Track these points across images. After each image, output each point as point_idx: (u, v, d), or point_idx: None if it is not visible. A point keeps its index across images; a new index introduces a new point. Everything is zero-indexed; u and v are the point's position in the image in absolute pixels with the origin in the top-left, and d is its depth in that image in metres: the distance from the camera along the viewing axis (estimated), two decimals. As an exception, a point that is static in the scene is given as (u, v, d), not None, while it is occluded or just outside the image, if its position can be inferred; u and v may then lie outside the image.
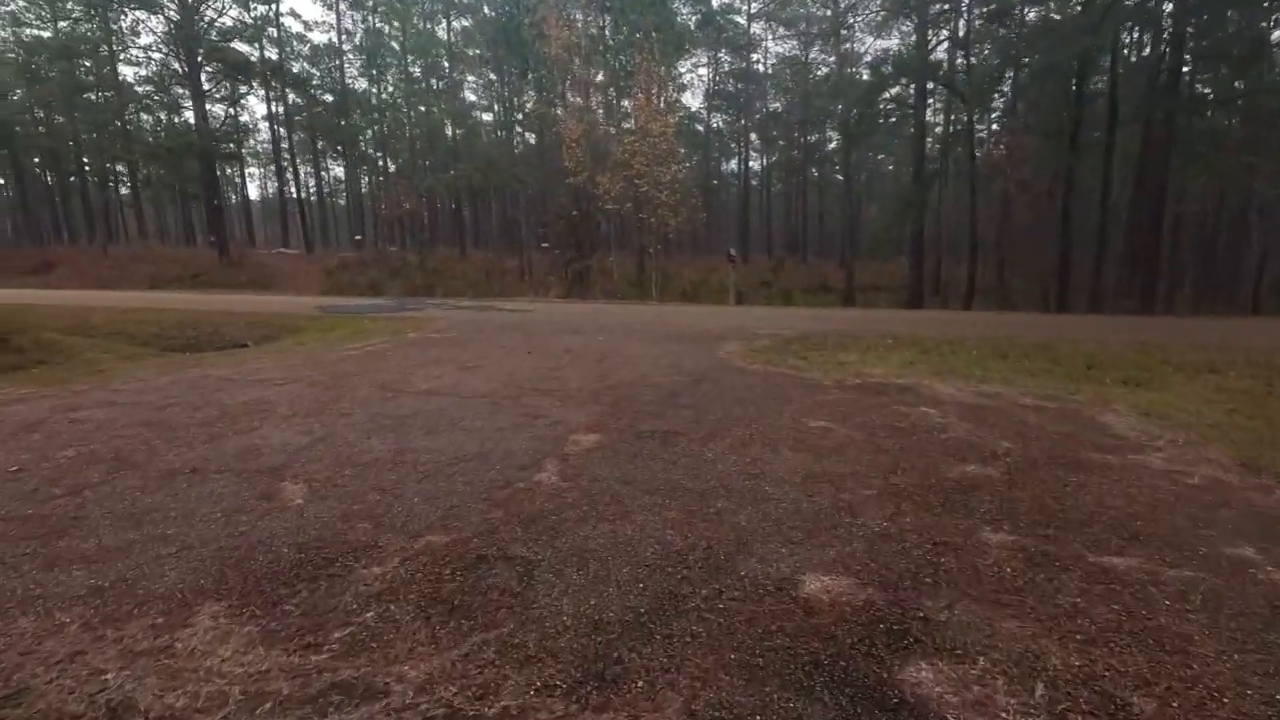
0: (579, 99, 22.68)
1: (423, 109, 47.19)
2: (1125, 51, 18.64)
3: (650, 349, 9.06)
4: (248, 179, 63.43)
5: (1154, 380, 7.22)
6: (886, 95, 21.06)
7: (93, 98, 38.18)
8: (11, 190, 44.60)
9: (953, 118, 32.17)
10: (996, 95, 27.80)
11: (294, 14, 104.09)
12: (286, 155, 52.39)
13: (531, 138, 41.31)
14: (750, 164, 60.31)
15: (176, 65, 31.98)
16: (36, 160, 41.20)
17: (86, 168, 39.50)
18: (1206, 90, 20.16)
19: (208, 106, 43.55)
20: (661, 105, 20.70)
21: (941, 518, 3.25)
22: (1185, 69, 18.04)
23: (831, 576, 2.67)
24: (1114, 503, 3.44)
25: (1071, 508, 3.37)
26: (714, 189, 59.45)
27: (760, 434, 4.76)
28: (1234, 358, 8.47)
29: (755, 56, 52.91)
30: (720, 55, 53.88)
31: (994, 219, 23.81)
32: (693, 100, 53.63)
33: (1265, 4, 16.05)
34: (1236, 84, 21.64)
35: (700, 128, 53.12)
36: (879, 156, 58.86)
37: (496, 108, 43.95)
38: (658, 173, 18.83)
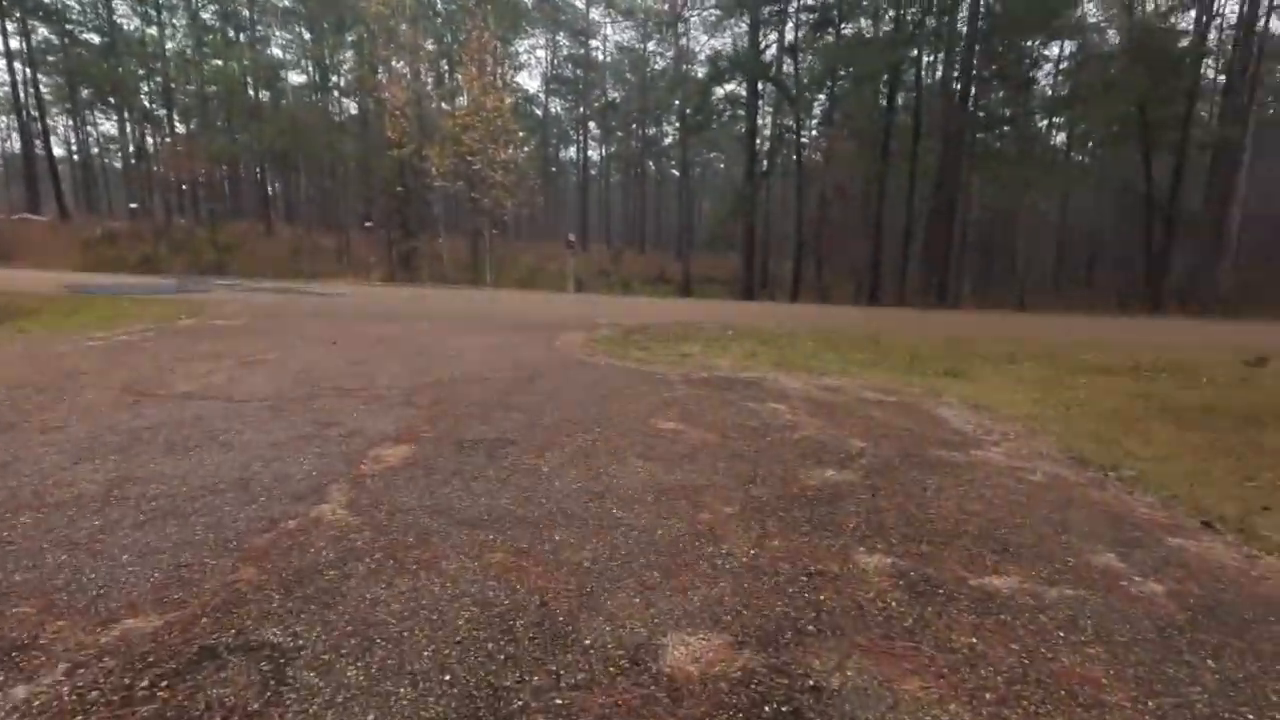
0: (404, 65, 20.71)
1: (219, 63, 41.08)
2: (925, 73, 20.64)
3: (481, 339, 8.16)
4: (20, 132, 51.59)
5: (969, 371, 7.65)
6: (721, 92, 21.58)
7: None
8: None
9: (780, 121, 34.03)
10: (818, 102, 29.78)
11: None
12: (37, 105, 43.13)
13: (352, 105, 37.63)
14: (589, 153, 60.06)
15: None
16: None
17: None
18: (985, 111, 22.94)
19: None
20: (497, 82, 19.46)
21: (812, 538, 2.84)
22: (973, 90, 20.35)
23: (699, 635, 2.11)
24: (974, 508, 3.25)
25: (937, 517, 3.12)
26: (552, 176, 58.52)
27: (605, 440, 4.15)
28: (1024, 349, 9.34)
29: (594, 43, 52.49)
30: (559, 38, 52.86)
31: (814, 219, 25.39)
32: (530, 82, 52.18)
33: (1030, 41, 18.48)
34: (1005, 111, 25.07)
35: (539, 112, 51.82)
36: (711, 154, 61.15)
37: (310, 67, 39.43)
38: (492, 151, 17.63)
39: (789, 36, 22.62)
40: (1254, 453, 5.86)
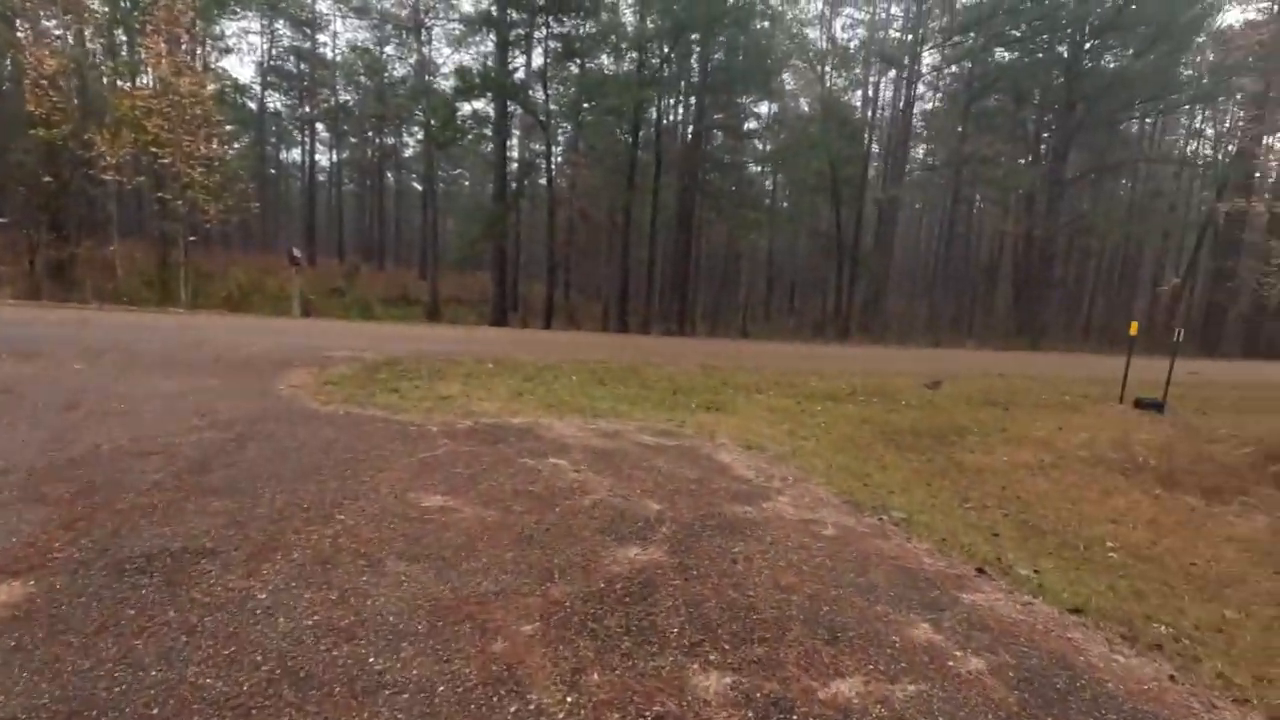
0: (57, 24, 16.19)
1: None
2: (665, 114, 22.15)
3: (168, 384, 6.29)
4: None
5: (727, 403, 7.93)
6: (469, 109, 20.65)
7: None
8: None
9: (529, 144, 34.03)
10: (563, 130, 30.35)
11: None
12: None
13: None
14: (317, 157, 54.26)
15: None
16: None
17: None
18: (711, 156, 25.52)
19: None
20: (195, 63, 16.12)
21: (635, 660, 2.31)
22: (703, 135, 22.41)
23: None
24: (788, 580, 3.03)
25: (759, 601, 2.82)
26: (271, 179, 51.71)
27: (351, 533, 3.19)
28: (765, 379, 10.10)
29: (322, 39, 47.70)
30: (278, 27, 46.92)
31: (564, 243, 25.64)
32: (242, 70, 45.38)
33: (744, 99, 20.96)
34: (726, 158, 28.26)
35: (253, 105, 45.39)
36: (456, 170, 59.04)
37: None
38: (188, 144, 14.47)
39: (536, 61, 22.64)
40: (956, 469, 6.81)
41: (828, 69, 23.92)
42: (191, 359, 7.70)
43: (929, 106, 29.56)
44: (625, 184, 20.47)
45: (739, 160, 25.19)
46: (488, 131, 27.62)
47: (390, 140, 50.37)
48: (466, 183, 61.81)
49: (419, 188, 59.08)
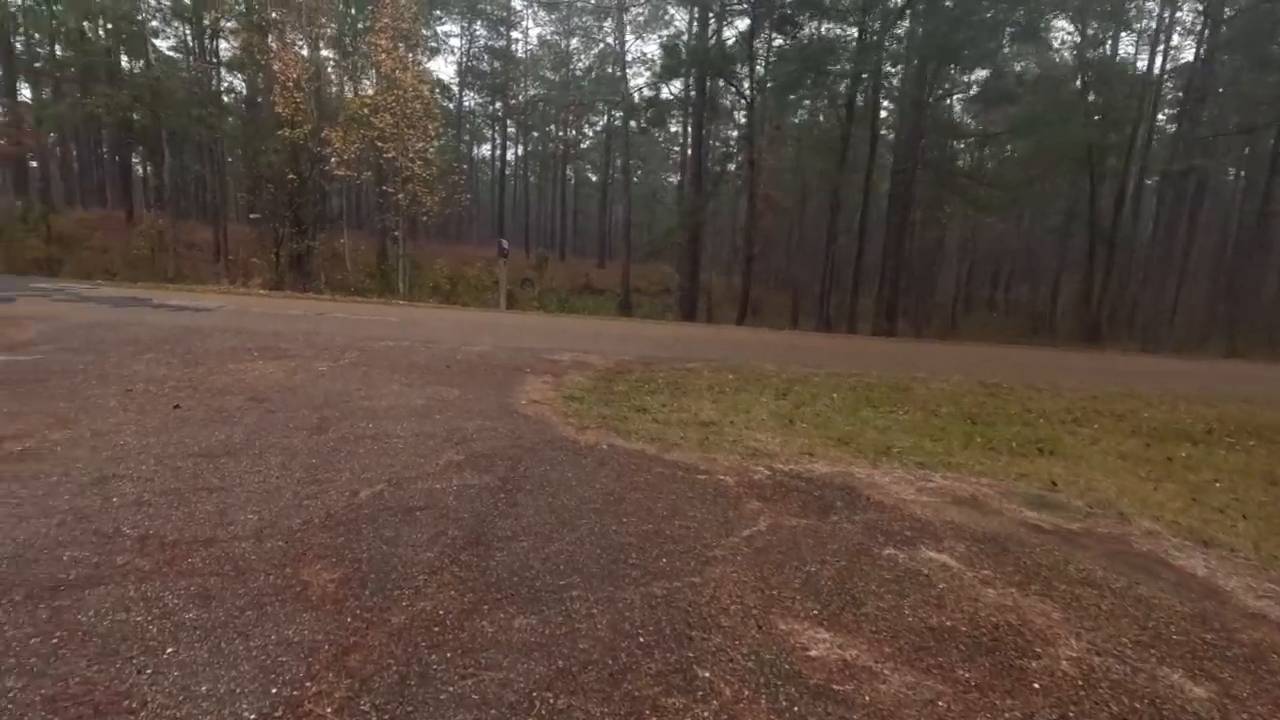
0: (299, 33, 17.41)
1: (75, 26, 34.91)
2: (884, 82, 19.60)
3: (408, 394, 5.67)
4: None
5: (1053, 443, 5.95)
6: (670, 94, 19.63)
7: None
8: None
9: (715, 127, 32.60)
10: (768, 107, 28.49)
11: None
12: None
13: (239, 82, 32.78)
14: (501, 151, 56.91)
15: None
16: None
17: None
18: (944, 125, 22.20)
19: None
20: (413, 61, 16.60)
21: None
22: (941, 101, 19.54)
23: None
24: None
25: None
26: (465, 174, 55.03)
27: (736, 716, 1.94)
28: (1070, 402, 7.86)
29: (515, 35, 49.56)
30: (476, 28, 49.57)
31: (764, 232, 23.97)
32: (445, 70, 48.48)
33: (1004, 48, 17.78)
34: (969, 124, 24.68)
35: (451, 105, 48.33)
36: (630, 161, 59.14)
37: (186, 33, 34.31)
38: (409, 137, 14.82)
39: (729, 34, 21.02)
40: None
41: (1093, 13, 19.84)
42: (424, 361, 7.19)
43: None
44: (837, 163, 18.36)
45: (971, 130, 21.84)
46: (673, 114, 26.57)
47: (572, 133, 51.58)
48: (639, 174, 61.95)
49: (593, 179, 60.45)
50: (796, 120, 29.12)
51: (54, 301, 9.89)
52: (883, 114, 20.92)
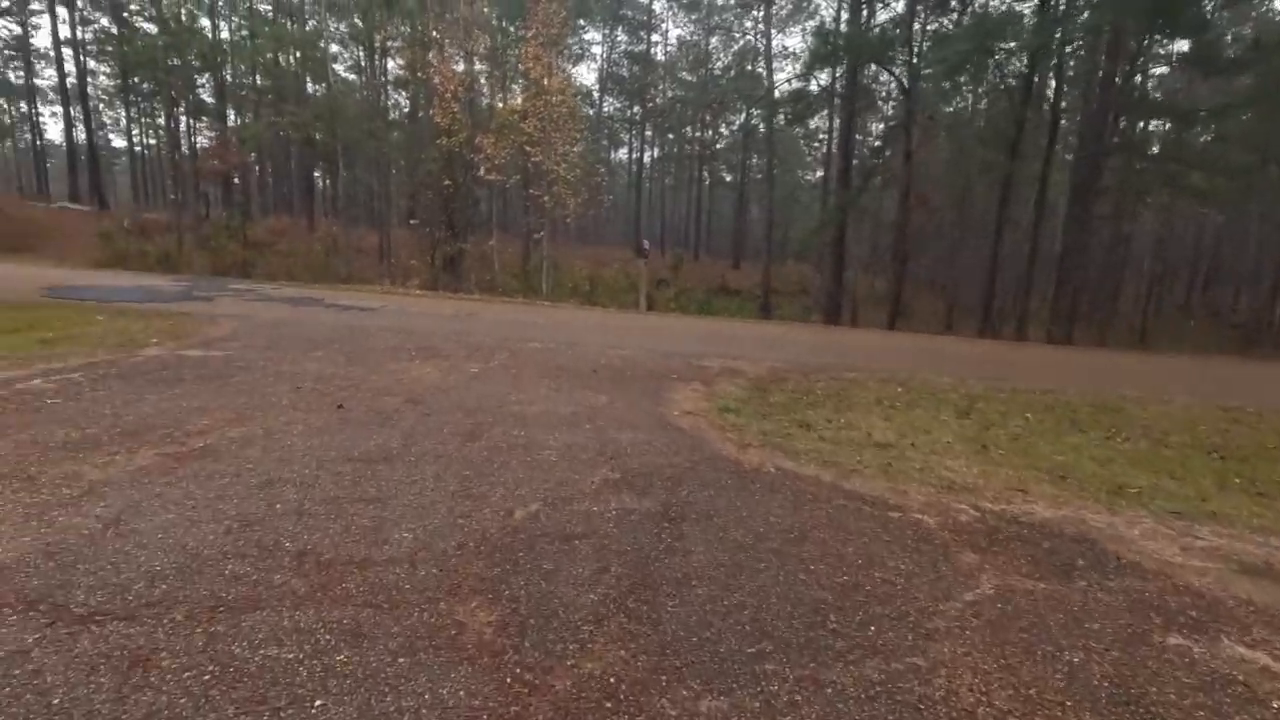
0: (457, 46, 18.30)
1: (272, 57, 39.55)
2: (1067, 57, 17.33)
3: (556, 399, 5.46)
4: (64, 120, 51.33)
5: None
6: (816, 87, 18.60)
7: None
8: None
9: (859, 120, 30.79)
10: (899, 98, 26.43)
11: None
12: (100, 94, 42.60)
13: (403, 99, 35.57)
14: (638, 154, 57.51)
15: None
16: None
17: None
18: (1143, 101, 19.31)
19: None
20: (559, 67, 16.90)
21: None
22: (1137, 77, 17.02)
23: None
24: None
25: None
26: (604, 176, 56.14)
27: None
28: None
29: (655, 38, 49.93)
30: (617, 34, 50.54)
31: (919, 229, 22.20)
32: (586, 78, 49.83)
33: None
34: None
35: (592, 111, 49.52)
36: (761, 159, 57.50)
37: (360, 56, 37.70)
38: (555, 141, 15.07)
39: (881, 18, 19.50)
40: None
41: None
42: (570, 364, 7.01)
43: None
44: (1006, 152, 16.47)
45: (1179, 107, 18.84)
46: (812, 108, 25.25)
47: (708, 133, 51.15)
48: (776, 171, 60.20)
49: (728, 179, 59.73)
50: (951, 108, 26.79)
51: (246, 301, 10.89)
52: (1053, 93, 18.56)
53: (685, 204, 58.38)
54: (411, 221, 23.97)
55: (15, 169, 53.17)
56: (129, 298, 10.36)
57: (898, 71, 18.03)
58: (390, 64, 34.57)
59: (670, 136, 55.59)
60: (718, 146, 52.87)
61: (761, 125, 44.77)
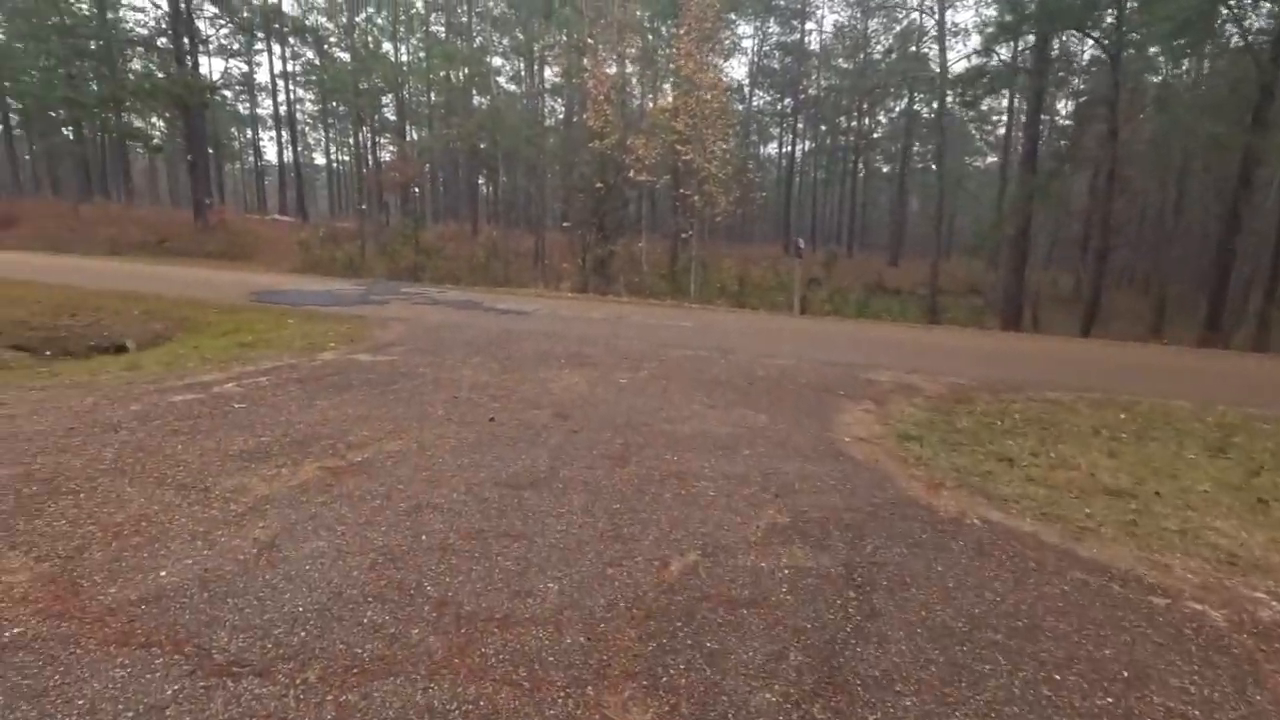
0: (609, 48, 18.43)
1: (444, 74, 42.81)
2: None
3: (710, 417, 5.02)
4: (277, 142, 59.58)
5: None
6: (997, 61, 16.56)
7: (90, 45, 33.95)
8: None
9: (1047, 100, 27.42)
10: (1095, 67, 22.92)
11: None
12: (305, 118, 48.83)
13: (559, 106, 37.01)
14: (789, 148, 55.65)
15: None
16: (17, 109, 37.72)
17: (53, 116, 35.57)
18: None
19: (219, 61, 39.92)
20: (710, 63, 16.37)
21: None
22: None
23: None
24: None
25: None
26: (754, 172, 54.97)
27: None
28: None
29: (809, 26, 47.93)
30: (769, 25, 49.13)
31: (1124, 217, 19.27)
32: (736, 72, 48.87)
33: None
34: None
35: (741, 106, 48.52)
36: (917, 148, 53.00)
37: (520, 69, 39.74)
38: (707, 138, 14.65)
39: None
40: None
41: None
42: (723, 375, 6.55)
43: None
44: (1247, 125, 13.66)
45: None
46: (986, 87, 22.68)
47: (865, 122, 48.35)
48: (921, 164, 55.47)
49: (884, 169, 56.20)
50: (1159, 77, 22.99)
51: (414, 304, 11.54)
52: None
53: (837, 198, 55.74)
54: (564, 225, 24.72)
55: (242, 187, 62.14)
56: (317, 301, 11.33)
57: (1100, 38, 15.61)
58: (547, 72, 36.12)
59: (823, 128, 53.29)
60: (874, 136, 49.88)
61: (927, 110, 41.59)
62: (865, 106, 46.01)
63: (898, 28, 42.22)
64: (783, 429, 4.83)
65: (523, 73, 41.70)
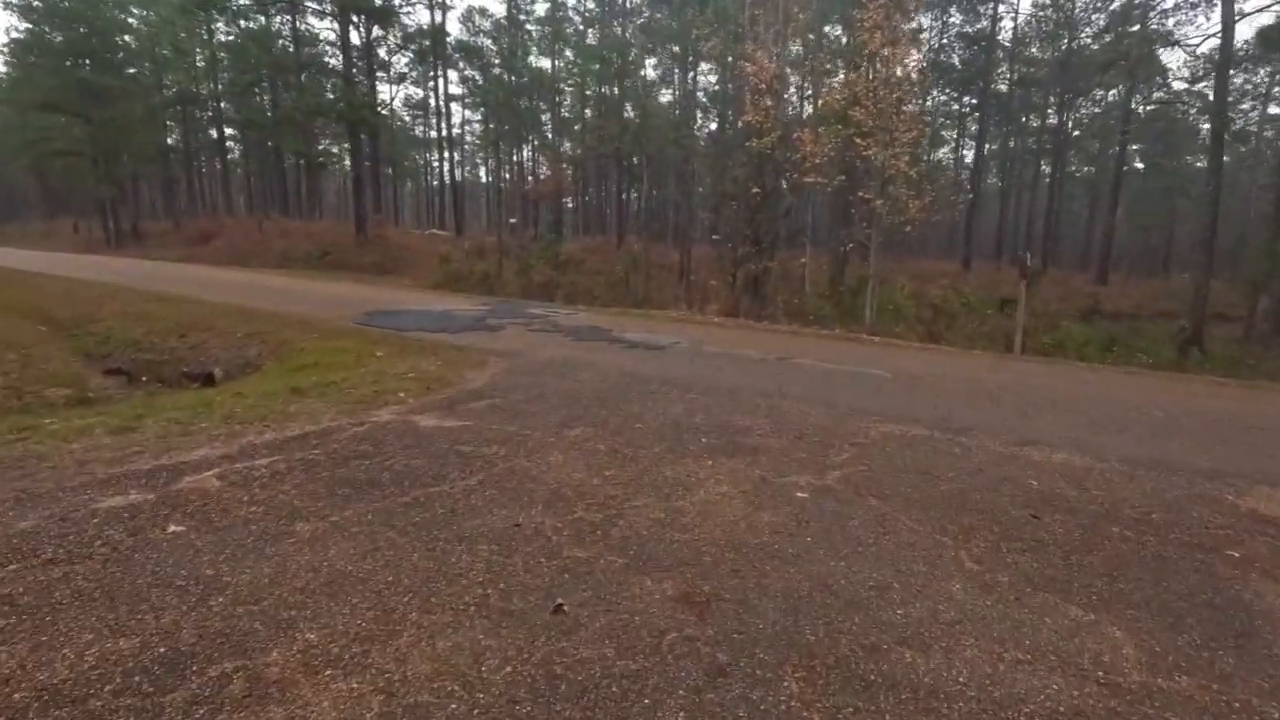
0: (771, 34, 15.86)
1: (601, 89, 42.39)
2: None
3: (995, 615, 2.39)
4: (439, 161, 63.30)
5: None
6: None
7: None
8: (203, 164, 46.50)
9: None
10: None
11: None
12: (474, 139, 51.09)
13: (712, 119, 34.91)
14: (969, 151, 49.71)
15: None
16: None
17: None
18: None
19: (396, 88, 42.43)
20: (902, 32, 13.27)
21: None
22: None
23: None
24: None
25: None
26: (954, 173, 49.50)
27: None
28: None
29: (1001, 9, 42.17)
30: (950, 15, 43.90)
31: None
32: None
33: None
34: None
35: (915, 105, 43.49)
36: (1111, 150, 44.33)
37: (675, 77, 38.22)
38: (896, 128, 11.67)
39: None
40: None
41: None
42: (977, 493, 3.78)
43: None
44: None
45: None
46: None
47: (1064, 117, 41.62)
48: (1140, 165, 46.53)
49: (1077, 174, 48.58)
50: None
51: (529, 331, 9.73)
52: None
53: (1016, 206, 48.81)
54: (714, 237, 22.45)
55: (414, 204, 66.58)
56: (425, 325, 9.87)
57: None
58: (700, 75, 34.21)
59: (1006, 128, 46.89)
60: (1074, 134, 42.91)
61: (1141, 101, 34.79)
62: (1067, 98, 39.54)
63: (1115, 4, 35.77)
64: (1191, 684, 2.11)
65: (676, 75, 40.20)
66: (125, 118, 30.45)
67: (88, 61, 30.52)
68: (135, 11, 36.52)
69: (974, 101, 45.43)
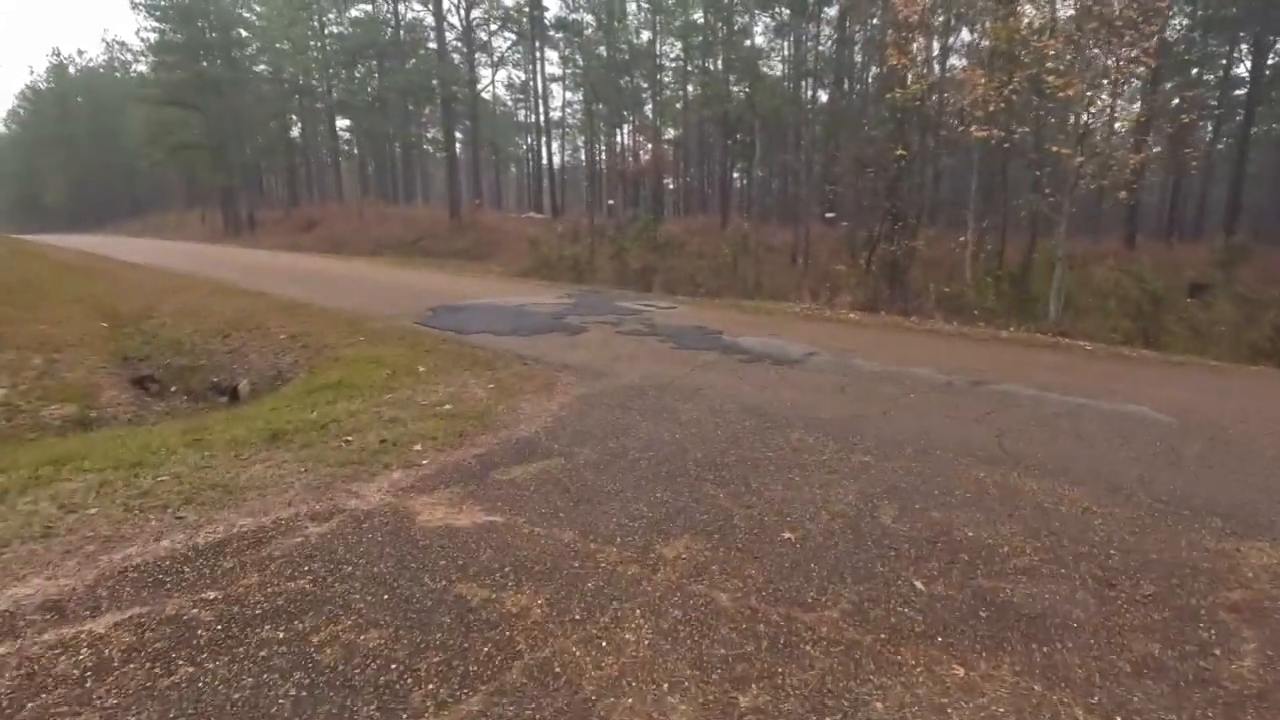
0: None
1: (705, 64, 39.56)
2: None
3: None
4: (536, 143, 62.80)
5: None
6: None
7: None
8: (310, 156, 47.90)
9: None
10: None
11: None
12: (575, 120, 49.88)
13: (823, 95, 31.30)
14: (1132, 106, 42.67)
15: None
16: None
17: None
18: None
19: (496, 72, 41.76)
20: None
21: None
22: None
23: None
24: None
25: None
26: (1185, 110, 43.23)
27: None
28: None
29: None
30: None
31: None
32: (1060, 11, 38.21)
33: None
34: None
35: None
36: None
37: (786, 49, 34.89)
38: (1101, 61, 8.64)
39: None
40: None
41: None
42: None
43: None
44: None
45: None
46: None
47: (1260, 63, 34.59)
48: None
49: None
50: None
51: (618, 334, 7.73)
52: None
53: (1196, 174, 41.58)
54: (828, 215, 19.62)
55: (516, 189, 66.52)
56: (494, 325, 8.11)
57: None
58: (812, 40, 30.80)
59: (1174, 80, 39.88)
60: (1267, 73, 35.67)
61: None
62: (1269, 40, 32.72)
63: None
64: None
65: (787, 50, 36.81)
66: (240, 109, 31.17)
67: (215, 56, 31.54)
68: (255, 8, 37.69)
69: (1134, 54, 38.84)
